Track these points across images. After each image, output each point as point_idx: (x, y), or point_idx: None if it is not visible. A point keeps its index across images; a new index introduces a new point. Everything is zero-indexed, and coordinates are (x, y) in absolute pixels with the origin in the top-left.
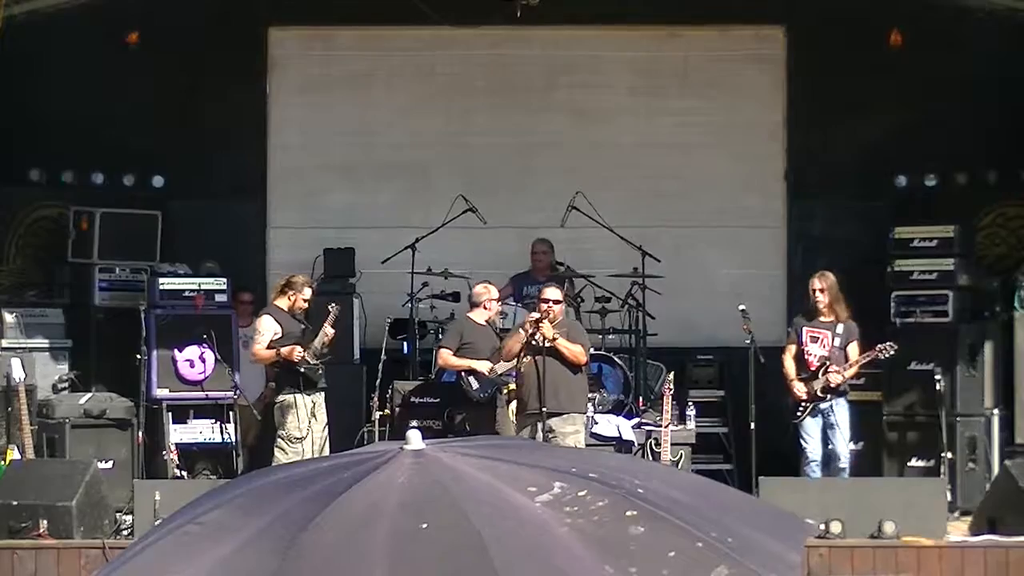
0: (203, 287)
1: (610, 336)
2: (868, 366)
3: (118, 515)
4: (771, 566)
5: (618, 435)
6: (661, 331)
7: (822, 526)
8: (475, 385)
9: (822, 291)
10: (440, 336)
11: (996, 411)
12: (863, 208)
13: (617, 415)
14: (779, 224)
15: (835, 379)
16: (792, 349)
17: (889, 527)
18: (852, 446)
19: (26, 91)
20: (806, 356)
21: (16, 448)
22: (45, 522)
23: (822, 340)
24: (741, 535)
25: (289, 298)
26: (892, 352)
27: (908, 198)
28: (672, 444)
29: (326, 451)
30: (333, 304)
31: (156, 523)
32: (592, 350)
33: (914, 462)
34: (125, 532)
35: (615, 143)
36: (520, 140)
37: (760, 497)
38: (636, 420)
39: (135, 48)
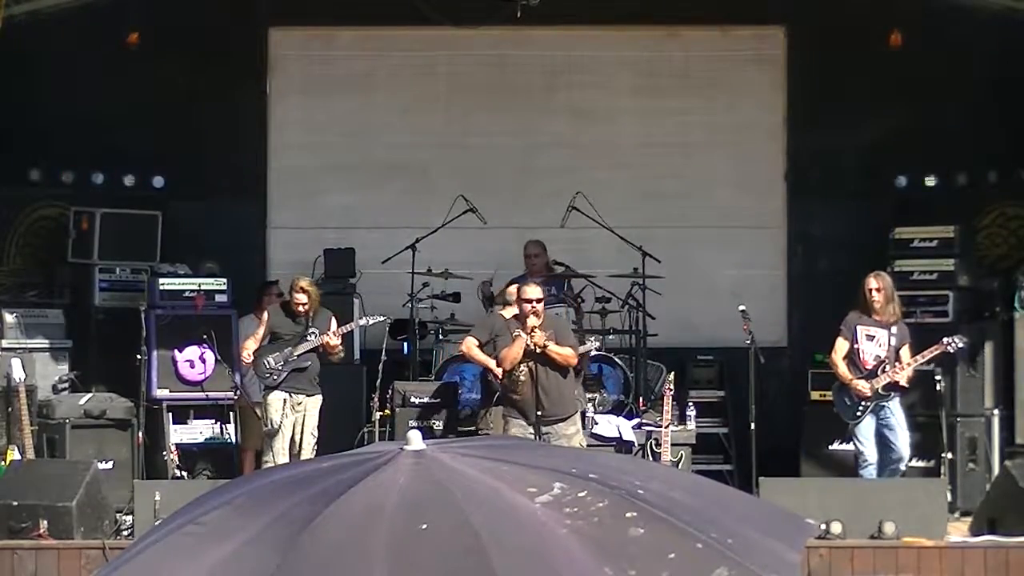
0: (203, 287)
1: (610, 336)
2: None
3: (118, 515)
4: (771, 566)
5: (618, 435)
6: (661, 331)
7: (822, 526)
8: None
9: (878, 291)
10: (440, 336)
11: (996, 411)
12: (863, 208)
13: (617, 415)
14: (779, 224)
15: (901, 377)
16: (844, 348)
17: (889, 527)
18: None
19: (26, 91)
20: (860, 356)
21: (16, 448)
22: (45, 522)
23: (878, 339)
24: (741, 535)
25: (286, 297)
26: (961, 345)
27: (908, 198)
28: (672, 444)
29: (309, 452)
30: (368, 318)
31: (156, 523)
32: (594, 351)
33: (914, 462)
34: (125, 532)
35: (615, 143)
36: (520, 140)
37: (760, 497)
38: (636, 420)
39: (135, 48)
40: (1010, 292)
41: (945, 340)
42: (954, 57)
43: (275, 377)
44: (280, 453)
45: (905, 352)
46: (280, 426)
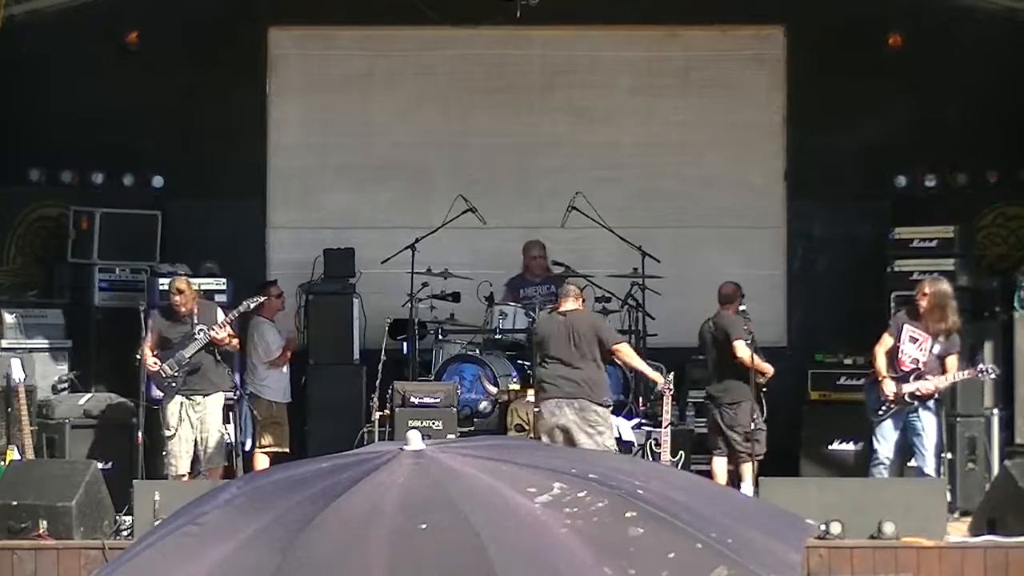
0: (203, 287)
1: None
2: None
3: (118, 515)
4: (771, 566)
5: (618, 435)
6: (661, 331)
7: (822, 526)
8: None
9: (924, 295)
10: (439, 335)
11: (996, 411)
12: (863, 208)
13: (617, 415)
14: (779, 224)
15: (926, 388)
16: (888, 343)
17: (889, 527)
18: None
19: (26, 91)
20: (900, 355)
21: (16, 448)
22: (45, 522)
23: (920, 343)
24: (741, 535)
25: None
26: (993, 375)
27: (908, 198)
28: (672, 444)
29: (218, 449)
30: (248, 302)
31: (156, 523)
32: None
33: (914, 462)
34: (125, 532)
35: (615, 143)
36: (520, 140)
37: (760, 497)
38: (636, 420)
39: (135, 48)
40: (1010, 292)
41: (979, 367)
42: (954, 57)
43: (174, 384)
44: (177, 456)
45: (952, 362)
46: (177, 430)
